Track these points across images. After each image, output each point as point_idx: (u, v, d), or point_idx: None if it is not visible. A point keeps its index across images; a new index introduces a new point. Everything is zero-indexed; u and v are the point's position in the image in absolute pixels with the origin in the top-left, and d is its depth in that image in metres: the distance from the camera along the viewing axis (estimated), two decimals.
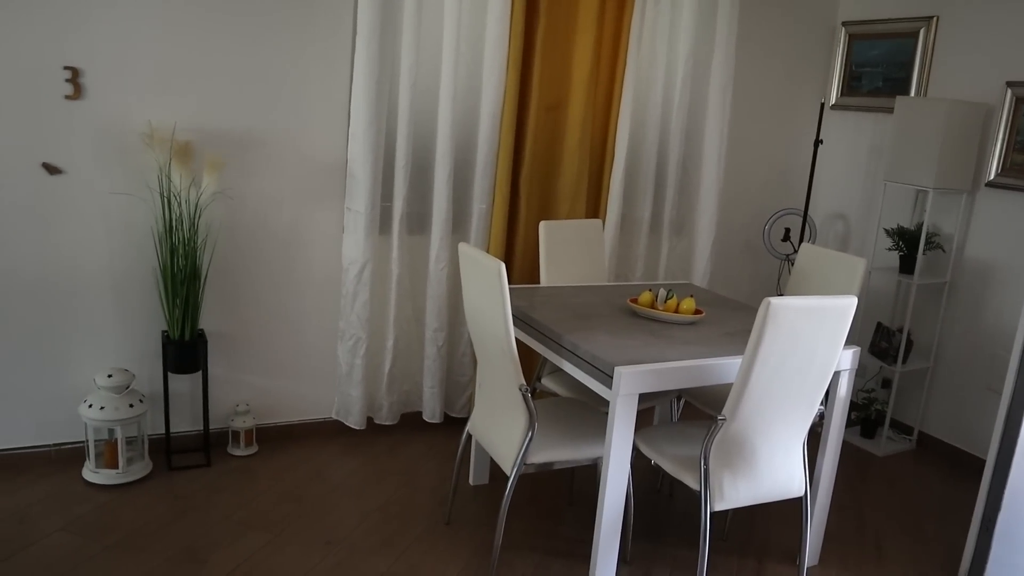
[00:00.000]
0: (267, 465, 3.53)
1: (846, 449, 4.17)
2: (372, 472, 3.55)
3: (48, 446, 3.35)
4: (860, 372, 4.47)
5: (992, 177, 3.88)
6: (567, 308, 3.05)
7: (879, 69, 4.37)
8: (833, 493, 3.63)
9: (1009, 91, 3.78)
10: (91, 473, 3.27)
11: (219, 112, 3.33)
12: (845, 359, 2.85)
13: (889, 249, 4.16)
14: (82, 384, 3.33)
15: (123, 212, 3.26)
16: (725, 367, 2.60)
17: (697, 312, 3.00)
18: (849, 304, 2.48)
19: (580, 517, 3.27)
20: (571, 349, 2.66)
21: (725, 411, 2.48)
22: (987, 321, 3.91)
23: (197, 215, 3.30)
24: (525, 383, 2.63)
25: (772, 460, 2.61)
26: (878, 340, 4.17)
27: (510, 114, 3.65)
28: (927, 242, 3.98)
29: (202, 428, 3.50)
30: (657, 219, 4.22)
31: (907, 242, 4.02)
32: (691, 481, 2.62)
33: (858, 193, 4.54)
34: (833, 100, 4.64)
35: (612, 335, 2.74)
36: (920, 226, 3.97)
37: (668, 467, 2.71)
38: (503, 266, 2.55)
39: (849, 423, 4.39)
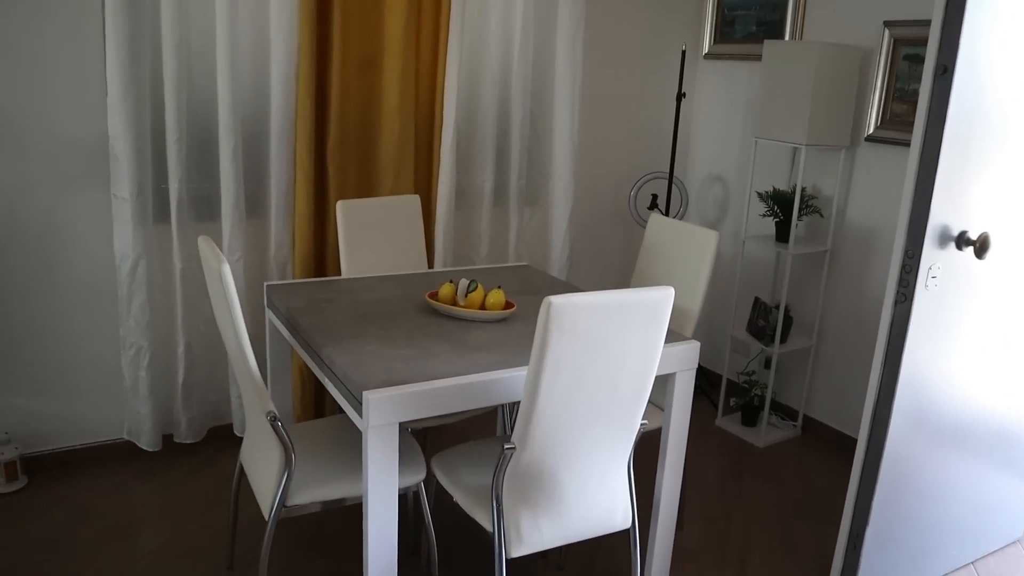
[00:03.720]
0: (33, 503, 2.96)
1: (725, 440, 3.74)
2: (161, 503, 3.00)
3: None
4: (744, 351, 4.04)
5: (871, 131, 3.43)
6: (354, 308, 2.52)
7: (752, 12, 3.87)
8: (701, 497, 3.22)
9: (887, 32, 3.32)
10: None
11: None
12: (677, 359, 2.37)
13: (763, 215, 3.69)
14: None
15: None
16: (521, 381, 2.10)
17: (508, 306, 2.49)
18: (663, 297, 1.99)
19: (406, 546, 2.75)
20: (329, 365, 2.13)
21: (514, 437, 1.99)
22: (872, 292, 3.49)
23: None
24: (274, 410, 2.10)
25: (583, 492, 2.13)
26: (755, 318, 3.72)
27: (307, 74, 3.07)
28: (803, 206, 3.52)
29: None
30: (502, 190, 3.69)
31: (782, 206, 3.56)
32: (484, 520, 2.13)
33: (735, 152, 4.07)
34: (706, 48, 4.14)
35: (386, 343, 2.22)
36: (794, 188, 3.51)
37: (462, 502, 2.22)
38: (227, 267, 2.00)
39: (729, 410, 3.96)
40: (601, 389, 2.00)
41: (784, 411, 3.93)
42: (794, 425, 3.83)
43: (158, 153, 3.01)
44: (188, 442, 3.32)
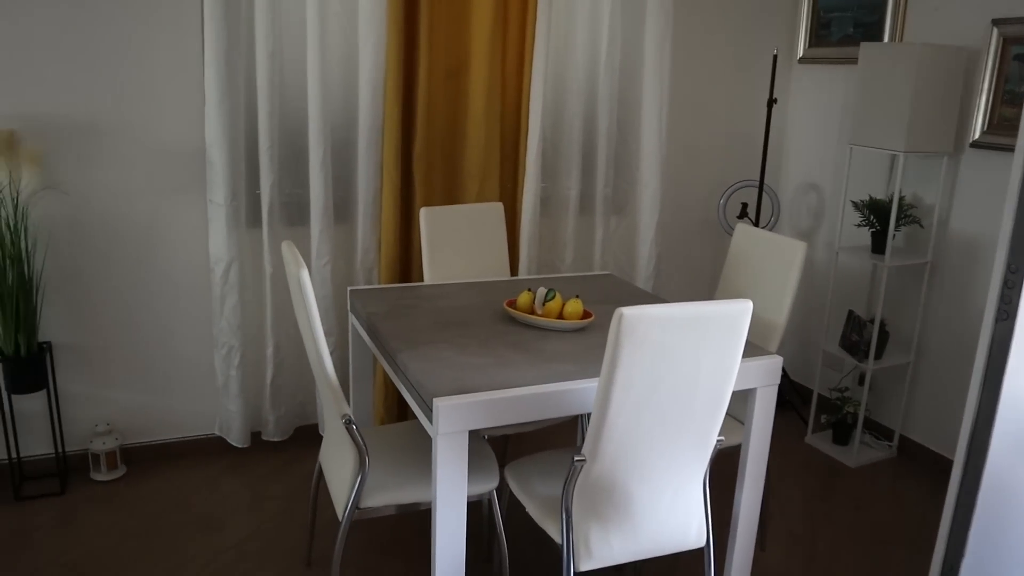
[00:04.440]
0: (130, 491, 3.11)
1: (815, 458, 3.61)
2: (248, 497, 3.10)
3: None
4: (837, 367, 3.89)
5: (977, 136, 3.25)
6: (433, 314, 2.54)
7: (849, 14, 3.73)
8: (787, 517, 3.11)
9: (995, 30, 3.14)
10: None
11: (47, 98, 2.88)
12: (757, 373, 2.29)
13: (858, 225, 3.55)
14: None
15: None
16: (594, 392, 2.07)
17: (586, 316, 2.47)
18: (740, 311, 1.93)
19: (478, 554, 2.76)
20: (403, 370, 2.16)
21: (584, 450, 1.96)
22: (977, 307, 3.30)
23: (22, 214, 2.86)
24: (349, 413, 2.14)
25: (656, 508, 2.09)
26: (849, 332, 3.57)
27: (395, 82, 3.12)
28: (901, 216, 3.37)
29: (58, 452, 3.09)
30: (588, 197, 3.66)
31: (878, 216, 3.41)
32: (554, 532, 2.11)
33: (831, 160, 3.93)
34: (801, 52, 4.01)
35: (461, 351, 2.23)
36: (892, 197, 3.35)
37: (533, 513, 2.21)
38: (306, 272, 2.05)
39: (820, 427, 3.82)
40: (675, 403, 1.95)
41: (879, 430, 3.76)
42: (889, 445, 3.66)
43: (251, 160, 3.11)
44: (275, 440, 3.42)
